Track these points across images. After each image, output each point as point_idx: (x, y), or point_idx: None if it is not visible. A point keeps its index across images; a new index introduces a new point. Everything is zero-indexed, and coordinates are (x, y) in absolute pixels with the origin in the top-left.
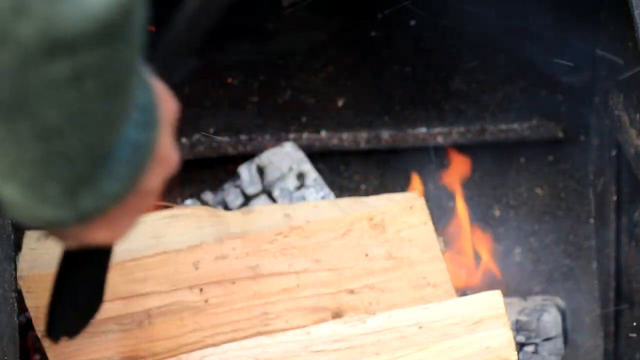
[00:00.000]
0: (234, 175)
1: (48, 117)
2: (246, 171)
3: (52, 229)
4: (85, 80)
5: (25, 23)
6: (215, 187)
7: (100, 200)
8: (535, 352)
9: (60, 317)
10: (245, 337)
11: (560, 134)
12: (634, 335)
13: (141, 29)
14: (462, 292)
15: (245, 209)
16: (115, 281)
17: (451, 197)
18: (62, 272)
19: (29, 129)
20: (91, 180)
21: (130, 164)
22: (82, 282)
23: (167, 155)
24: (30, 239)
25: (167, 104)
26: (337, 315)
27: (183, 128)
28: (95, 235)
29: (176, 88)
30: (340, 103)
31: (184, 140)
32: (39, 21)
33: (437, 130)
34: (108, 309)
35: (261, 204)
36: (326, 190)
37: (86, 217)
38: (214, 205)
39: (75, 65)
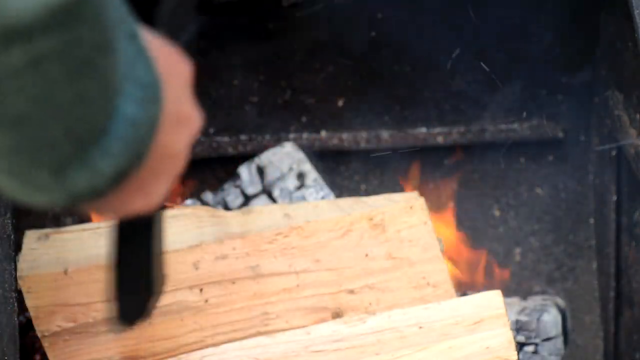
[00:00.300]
0: (234, 175)
1: (13, 104)
2: (246, 171)
3: (81, 204)
4: (46, 66)
5: None
6: (215, 187)
7: (95, 179)
8: (535, 352)
9: (128, 302)
10: (245, 337)
11: (560, 134)
12: (634, 335)
13: (118, 4)
14: (462, 292)
15: (245, 209)
16: None
17: (451, 197)
18: (117, 254)
19: None
20: (80, 161)
21: (129, 140)
22: (139, 260)
23: (188, 115)
24: (30, 239)
25: (179, 65)
26: (337, 315)
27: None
28: (130, 204)
29: (188, 49)
30: (340, 103)
31: None
32: None
33: (437, 130)
34: (108, 309)
35: (261, 204)
36: (326, 190)
37: (84, 198)
38: (214, 205)
39: (32, 51)
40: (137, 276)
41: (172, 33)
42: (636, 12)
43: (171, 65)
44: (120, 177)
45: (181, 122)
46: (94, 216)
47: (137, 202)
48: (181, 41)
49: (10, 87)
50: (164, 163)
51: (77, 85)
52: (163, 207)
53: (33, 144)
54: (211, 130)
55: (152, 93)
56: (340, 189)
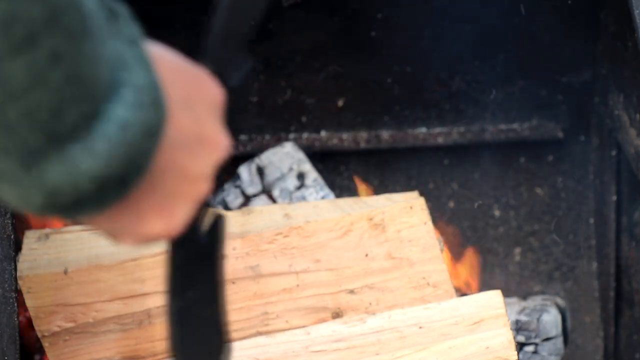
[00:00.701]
0: (234, 175)
1: None
2: (246, 171)
3: (92, 221)
4: (10, 64)
5: None
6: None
7: (73, 176)
8: (535, 352)
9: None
10: (245, 337)
11: (560, 134)
12: (634, 335)
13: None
14: (462, 292)
15: (245, 209)
16: (115, 281)
17: (451, 197)
18: (177, 296)
19: None
20: (52, 154)
21: (118, 143)
22: (204, 304)
23: (211, 138)
24: (30, 239)
25: (206, 88)
26: (337, 315)
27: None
28: (145, 225)
29: (240, 90)
30: (340, 103)
31: None
32: None
33: (437, 130)
34: (108, 309)
35: (261, 204)
36: (326, 190)
37: (65, 196)
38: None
39: None
40: (203, 325)
41: (219, 70)
42: (636, 12)
43: (193, 85)
44: (119, 186)
45: (203, 144)
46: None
47: (154, 224)
48: (230, 81)
49: None
50: (182, 185)
51: (29, 65)
52: (222, 240)
53: None
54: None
55: (148, 98)
56: (340, 189)
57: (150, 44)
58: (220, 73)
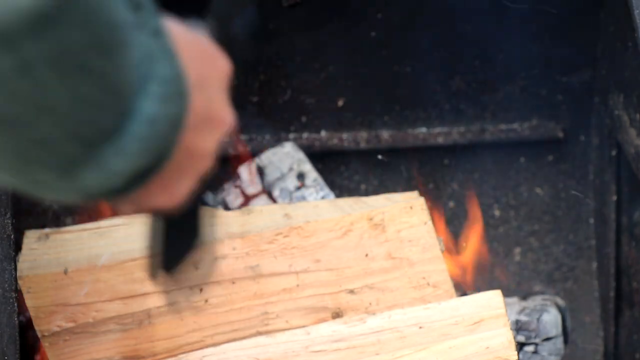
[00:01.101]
0: (234, 175)
1: (4, 108)
2: (246, 171)
3: (100, 201)
4: (35, 70)
5: None
6: (215, 187)
7: (111, 179)
8: (535, 352)
9: (170, 250)
10: (245, 337)
11: (560, 134)
12: (634, 335)
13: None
14: (462, 292)
15: (245, 209)
16: (115, 281)
17: (451, 197)
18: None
19: None
20: (90, 162)
21: (147, 139)
22: (186, 215)
23: (218, 114)
24: (30, 239)
25: (215, 63)
26: (337, 315)
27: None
28: (152, 202)
29: (241, 43)
30: (340, 103)
31: None
32: None
33: (437, 130)
34: (108, 309)
35: (261, 204)
36: (326, 190)
37: (101, 196)
38: (214, 205)
39: (18, 56)
40: (182, 226)
41: (225, 23)
42: (636, 12)
43: (206, 63)
44: (142, 176)
45: (211, 121)
46: (112, 211)
47: (160, 200)
48: (235, 32)
49: None
50: (190, 162)
51: (74, 88)
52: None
53: (29, 145)
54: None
55: (174, 90)
56: (340, 189)
57: (167, 21)
58: (226, 23)
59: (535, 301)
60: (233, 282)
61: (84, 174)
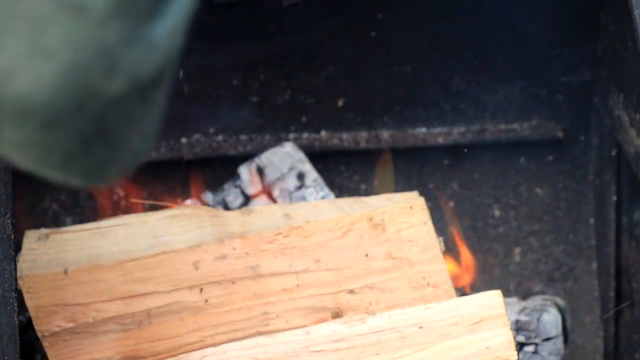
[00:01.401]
0: (234, 175)
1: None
2: (246, 171)
3: None
4: (149, 97)
5: (116, 80)
6: (215, 187)
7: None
8: (535, 352)
9: None
10: (245, 337)
11: (560, 134)
12: (634, 335)
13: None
14: (462, 292)
15: (245, 209)
16: (115, 281)
17: (451, 197)
18: None
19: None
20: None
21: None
22: None
23: None
24: (30, 239)
25: None
26: (337, 315)
27: (183, 128)
28: None
29: None
30: (340, 103)
31: (183, 140)
32: (127, 75)
33: (437, 130)
34: (108, 309)
35: (261, 204)
36: (326, 190)
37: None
38: (214, 205)
39: (138, 92)
40: None
41: None
42: (636, 12)
43: None
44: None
45: None
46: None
47: None
48: None
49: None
50: None
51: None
52: None
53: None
54: (211, 130)
55: None
56: (340, 189)
57: None
58: None
59: (535, 301)
60: (233, 282)
61: (109, 169)
